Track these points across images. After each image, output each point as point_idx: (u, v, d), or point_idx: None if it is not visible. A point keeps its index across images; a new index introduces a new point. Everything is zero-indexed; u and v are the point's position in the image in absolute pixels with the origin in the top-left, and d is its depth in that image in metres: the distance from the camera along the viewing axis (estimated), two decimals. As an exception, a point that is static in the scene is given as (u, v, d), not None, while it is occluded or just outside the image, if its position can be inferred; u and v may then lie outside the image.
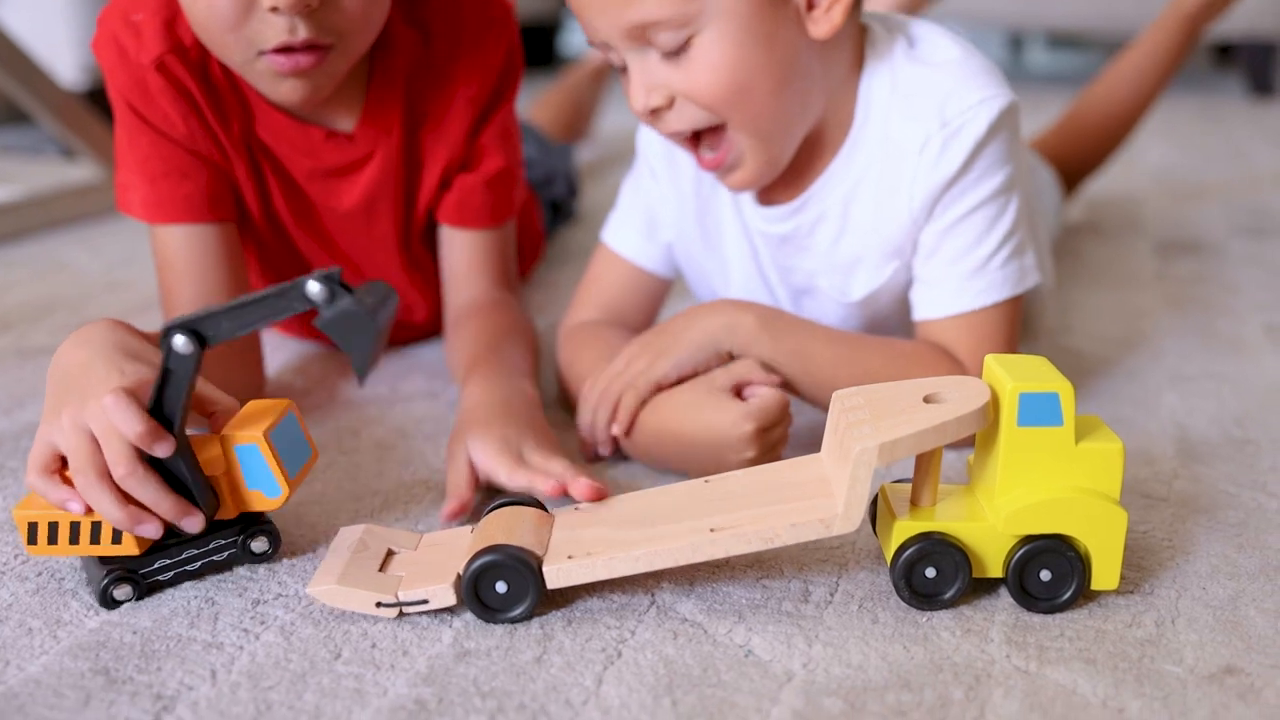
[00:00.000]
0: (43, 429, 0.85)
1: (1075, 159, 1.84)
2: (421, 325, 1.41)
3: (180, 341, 0.80)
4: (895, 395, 0.85)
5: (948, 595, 0.85)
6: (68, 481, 0.84)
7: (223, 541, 0.89)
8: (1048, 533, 0.84)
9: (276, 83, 1.10)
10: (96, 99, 2.37)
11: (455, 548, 0.89)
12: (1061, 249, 1.84)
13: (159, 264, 1.19)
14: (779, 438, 1.04)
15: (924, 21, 1.15)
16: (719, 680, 0.77)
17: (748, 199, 1.17)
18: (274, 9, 1.03)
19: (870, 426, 0.81)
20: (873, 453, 0.79)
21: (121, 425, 0.82)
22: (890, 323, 1.20)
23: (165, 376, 0.82)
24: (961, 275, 1.10)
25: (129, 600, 0.87)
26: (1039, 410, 0.83)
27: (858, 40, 1.10)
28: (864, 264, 1.14)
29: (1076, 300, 1.62)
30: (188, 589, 0.89)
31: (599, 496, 0.93)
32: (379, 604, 0.84)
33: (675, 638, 0.82)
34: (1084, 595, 0.86)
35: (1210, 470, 1.09)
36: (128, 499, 0.84)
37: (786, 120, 1.06)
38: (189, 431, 0.86)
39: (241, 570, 0.91)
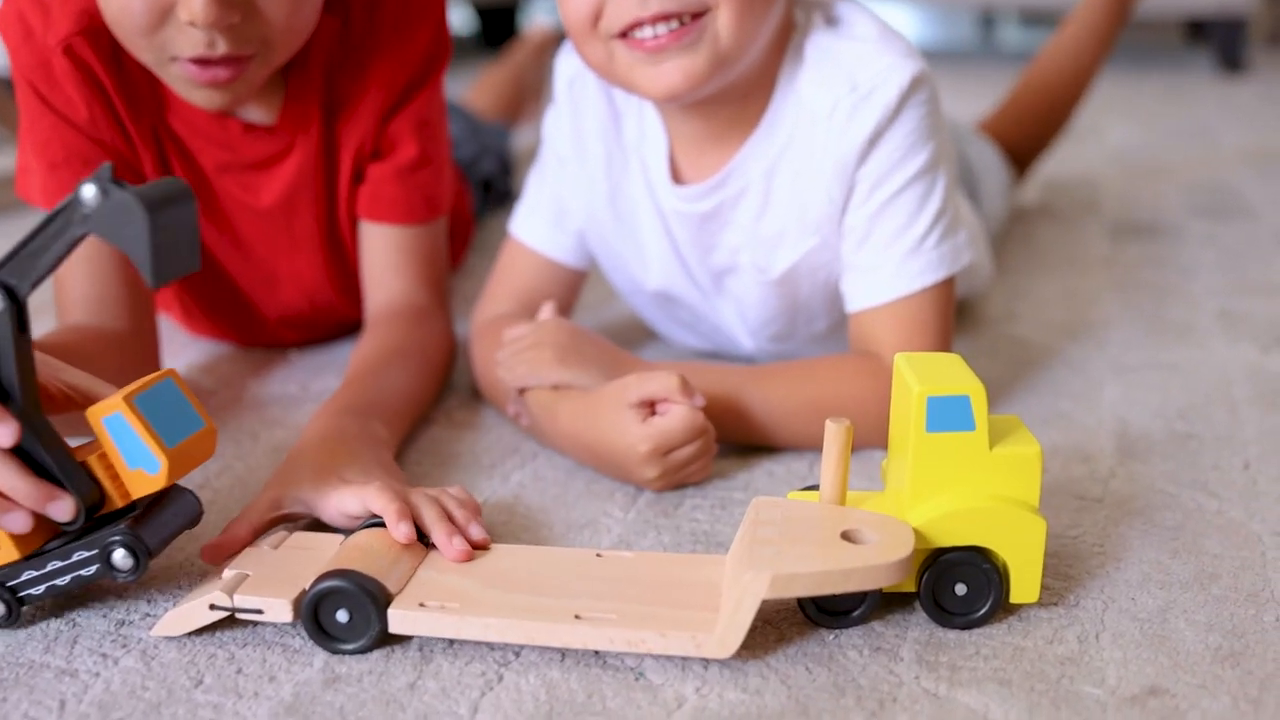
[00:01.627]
0: None
1: (1021, 139, 1.79)
2: (353, 325, 1.34)
3: None
4: (813, 522, 0.79)
5: (856, 613, 0.79)
6: None
7: (85, 554, 0.79)
8: (962, 544, 0.79)
9: (191, 89, 1.05)
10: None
11: (316, 557, 0.83)
12: (1012, 233, 1.79)
13: None
14: (689, 459, 0.98)
15: (850, 2, 1.09)
16: (603, 708, 0.72)
17: (661, 179, 1.11)
18: (191, 23, 0.97)
19: (774, 550, 0.75)
20: (764, 584, 0.73)
21: None
22: (810, 307, 1.15)
23: None
24: (896, 258, 1.05)
25: (4, 620, 0.80)
26: (949, 414, 0.77)
27: (785, 13, 1.06)
28: (786, 239, 1.09)
29: (1024, 286, 1.56)
30: (49, 609, 0.83)
31: (465, 559, 0.83)
32: (212, 605, 0.78)
33: (563, 660, 0.77)
34: (1003, 609, 0.81)
35: (1149, 468, 1.03)
36: None
37: (766, 16, 1.01)
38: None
39: (114, 587, 0.85)
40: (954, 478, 0.78)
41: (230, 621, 0.80)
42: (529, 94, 2.36)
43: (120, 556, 0.78)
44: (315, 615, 0.78)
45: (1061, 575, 0.86)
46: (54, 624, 0.81)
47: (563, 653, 0.77)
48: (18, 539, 0.78)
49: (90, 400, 0.80)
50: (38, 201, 1.12)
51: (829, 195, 1.05)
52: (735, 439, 1.05)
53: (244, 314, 1.29)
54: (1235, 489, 0.99)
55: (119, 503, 0.79)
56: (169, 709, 0.73)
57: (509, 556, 0.85)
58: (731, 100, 1.06)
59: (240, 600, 0.78)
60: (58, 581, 0.80)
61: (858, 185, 1.04)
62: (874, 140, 1.03)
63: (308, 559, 0.83)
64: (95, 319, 1.10)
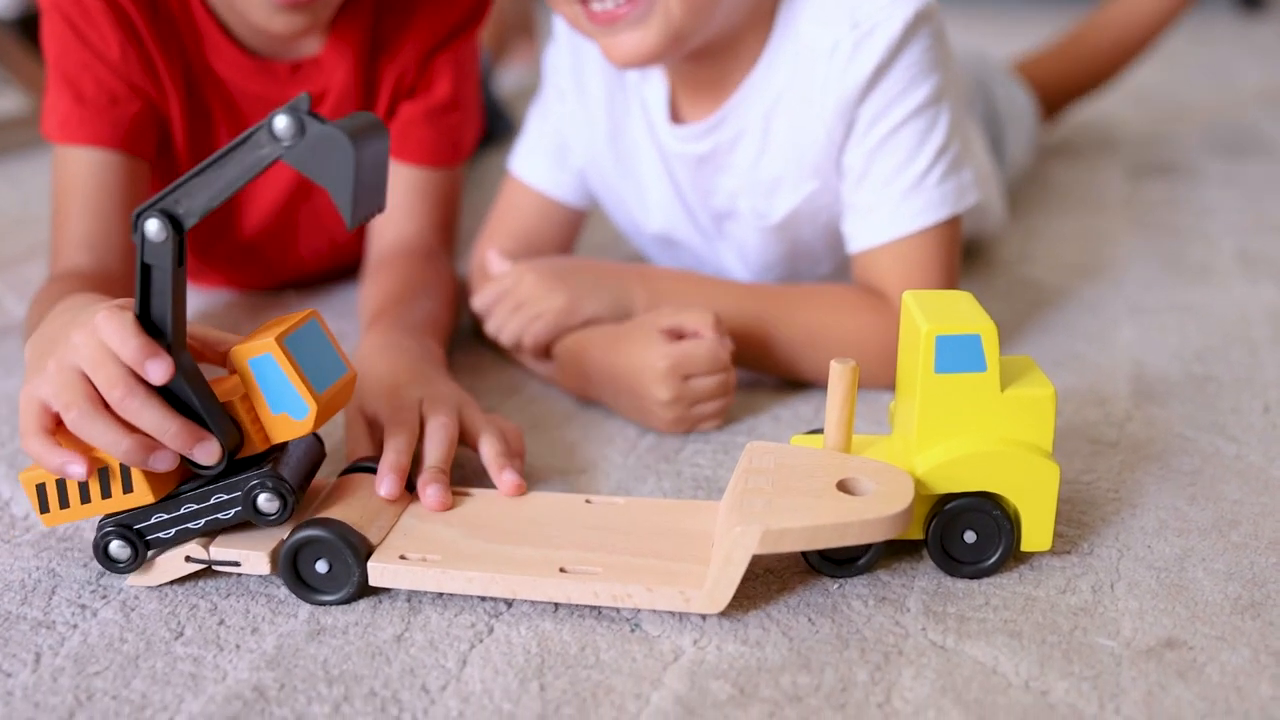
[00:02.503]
0: (26, 389, 0.74)
1: (1060, 89, 1.74)
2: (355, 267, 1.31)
3: (153, 227, 0.68)
4: (808, 469, 0.75)
5: (862, 561, 0.76)
6: (69, 442, 0.74)
7: (224, 496, 0.74)
8: (971, 490, 0.75)
9: (272, 14, 1.02)
10: (28, 28, 2.26)
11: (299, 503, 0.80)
12: (1029, 173, 1.74)
13: (57, 190, 1.09)
14: (705, 393, 0.95)
15: None
16: (597, 660, 0.69)
17: (661, 119, 1.08)
18: None
19: (765, 501, 0.72)
20: (753, 537, 0.70)
21: (113, 340, 0.70)
22: (812, 251, 1.11)
23: (146, 276, 0.70)
24: (896, 196, 1.01)
25: (128, 561, 0.76)
26: (959, 354, 0.74)
27: None
28: (784, 184, 1.06)
29: (1039, 226, 1.52)
30: (29, 558, 0.80)
31: (445, 507, 0.81)
32: (188, 558, 0.76)
33: (556, 611, 0.74)
34: (1014, 558, 0.78)
35: (1166, 412, 1.00)
36: (131, 429, 0.72)
37: None
38: None
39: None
40: (964, 421, 0.75)
41: (213, 571, 0.78)
42: (511, 31, 2.31)
43: (265, 500, 0.75)
44: (294, 566, 0.75)
45: (1075, 522, 0.82)
46: (33, 573, 0.79)
47: (555, 603, 0.74)
48: (153, 482, 0.74)
49: (212, 348, 0.77)
50: (55, 136, 1.09)
51: (829, 135, 1.02)
52: (757, 366, 1.03)
53: (252, 258, 1.26)
54: (1255, 433, 0.96)
55: (259, 447, 0.75)
56: (146, 662, 0.70)
57: (495, 503, 0.82)
58: (723, 47, 1.02)
59: (216, 552, 0.76)
60: (190, 525, 0.76)
61: (858, 121, 1.01)
62: (876, 77, 0.99)
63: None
64: (94, 259, 1.06)
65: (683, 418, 0.95)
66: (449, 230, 1.22)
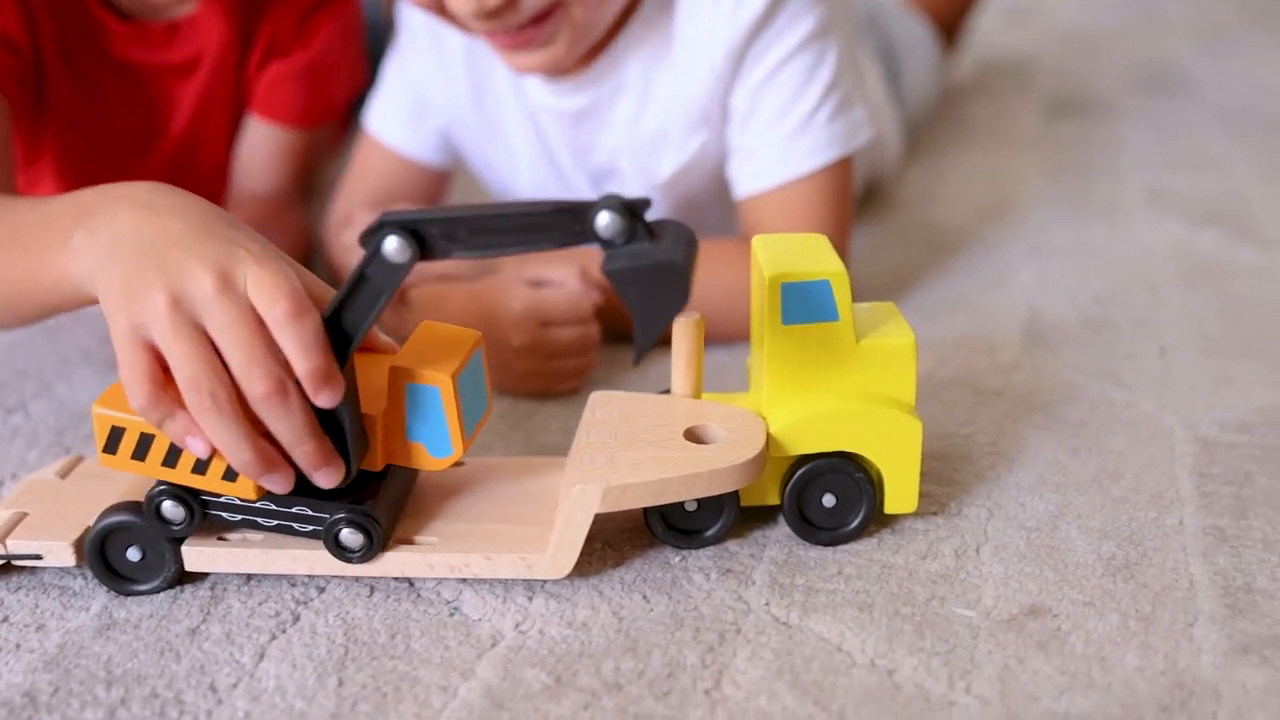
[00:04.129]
0: (123, 321, 0.60)
1: (947, 4, 1.67)
2: None
3: (393, 245, 0.59)
4: (654, 418, 0.69)
5: (711, 531, 0.70)
6: (177, 400, 0.61)
7: (309, 512, 0.66)
8: (828, 450, 0.69)
9: None
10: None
11: (109, 486, 0.72)
12: (939, 111, 1.68)
13: None
14: (564, 349, 0.88)
15: None
16: (406, 650, 0.63)
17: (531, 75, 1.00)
18: None
19: (608, 456, 0.66)
20: (594, 496, 0.64)
21: (290, 338, 0.59)
22: (706, 209, 1.04)
23: (357, 285, 0.61)
24: (784, 137, 0.95)
25: (181, 524, 0.67)
26: (808, 302, 0.67)
27: None
28: (670, 139, 0.99)
29: (945, 166, 1.46)
30: None
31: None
32: None
33: (371, 595, 0.67)
34: (877, 522, 0.72)
35: (1057, 358, 0.94)
36: (256, 432, 0.61)
37: None
38: None
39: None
40: (817, 375, 0.69)
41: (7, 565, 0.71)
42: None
43: (352, 537, 0.66)
44: (103, 555, 0.68)
45: (946, 480, 0.77)
46: None
47: (372, 586, 0.68)
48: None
49: (373, 347, 0.68)
50: None
51: (718, 80, 0.95)
52: (626, 327, 0.96)
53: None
54: (1148, 378, 0.91)
55: (376, 466, 0.66)
56: (-88, 666, 0.63)
57: None
58: None
59: (14, 545, 0.68)
60: (261, 521, 0.67)
61: (745, 62, 0.94)
62: (767, 17, 0.92)
63: (99, 490, 0.72)
64: None
65: (539, 371, 0.88)
66: (307, 186, 1.17)
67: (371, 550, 0.66)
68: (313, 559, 0.66)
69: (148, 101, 1.09)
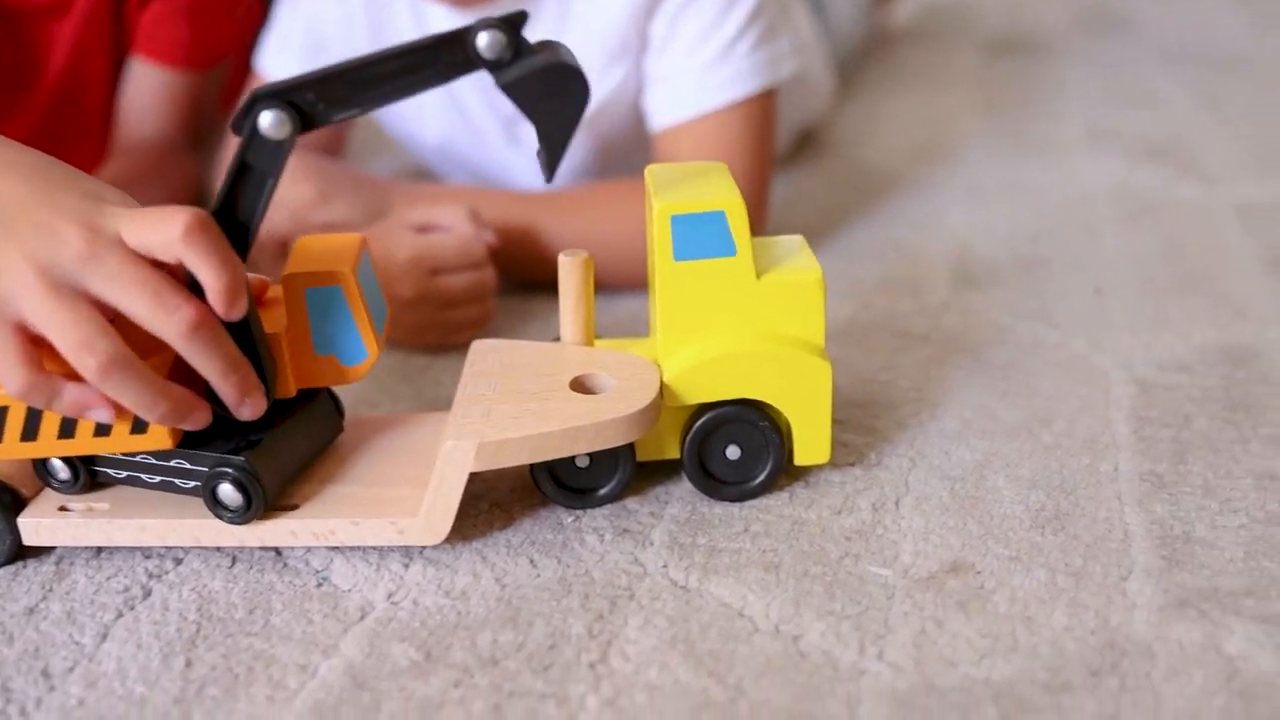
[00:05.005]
0: None
1: None
2: None
3: (270, 120, 0.54)
4: (538, 367, 0.64)
5: (605, 489, 0.64)
6: (63, 369, 0.54)
7: (188, 466, 0.59)
8: (730, 398, 0.63)
9: None
10: None
11: None
12: (875, 54, 1.62)
13: None
14: (457, 297, 0.82)
15: None
16: (265, 625, 0.57)
17: (432, 7, 0.93)
18: None
19: (484, 410, 0.60)
20: (467, 453, 0.58)
21: (201, 262, 0.52)
22: (626, 150, 0.98)
23: (240, 176, 0.55)
24: (703, 65, 0.89)
25: (68, 486, 0.61)
26: (702, 236, 0.61)
27: None
28: (589, 71, 0.92)
29: (878, 107, 1.40)
30: None
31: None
32: None
33: (232, 565, 0.61)
34: (787, 474, 0.66)
35: (986, 299, 0.89)
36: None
37: None
38: None
39: None
40: (715, 316, 0.63)
41: None
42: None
43: (230, 492, 0.59)
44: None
45: (865, 429, 0.71)
46: None
47: (234, 555, 0.62)
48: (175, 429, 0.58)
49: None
50: None
51: (637, 4, 0.90)
52: (525, 273, 0.90)
53: None
54: (1082, 318, 0.86)
55: (289, 392, 0.60)
56: None
57: None
58: None
59: None
60: (144, 477, 0.60)
61: None
62: None
63: None
64: None
65: (431, 323, 0.82)
66: (196, 129, 1.09)
67: (250, 508, 0.59)
68: (163, 529, 0.60)
69: (17, 44, 1.01)
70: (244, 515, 0.59)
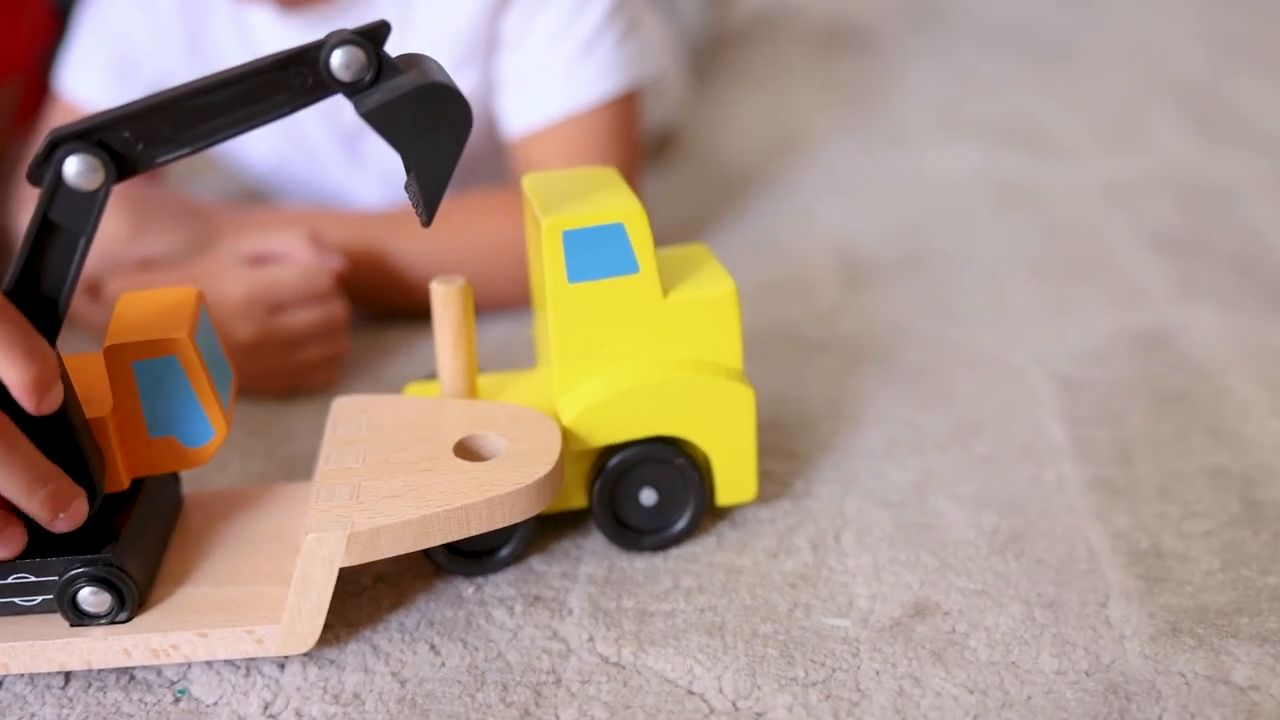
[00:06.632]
0: None
1: None
2: None
3: (77, 167, 0.44)
4: (412, 429, 0.54)
5: (504, 550, 0.55)
6: None
7: (31, 578, 0.48)
8: (641, 437, 0.55)
9: None
10: None
11: None
12: (713, 57, 1.56)
13: None
14: (304, 335, 0.72)
15: None
16: (111, 765, 0.46)
17: (257, 13, 0.83)
18: None
19: (351, 489, 0.50)
20: (334, 547, 0.48)
21: None
22: (482, 169, 0.89)
23: (42, 236, 0.45)
24: (564, 61, 0.81)
25: None
26: (599, 252, 0.53)
27: None
28: None
29: (728, 107, 1.34)
30: None
31: None
32: None
33: (65, 684, 0.50)
34: (711, 515, 0.58)
35: (879, 299, 0.83)
36: None
37: None
38: None
39: None
40: (617, 343, 0.55)
41: None
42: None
43: (91, 595, 0.48)
44: None
45: (785, 454, 0.64)
46: None
47: (66, 674, 0.51)
48: None
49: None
50: None
51: (485, 6, 0.81)
52: (379, 302, 0.80)
53: None
54: (982, 313, 0.80)
55: (121, 485, 0.50)
56: None
57: None
58: None
59: None
60: None
61: None
62: None
63: None
64: None
65: (276, 368, 0.72)
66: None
67: (124, 607, 0.49)
68: None
69: None
70: (115, 618, 0.49)
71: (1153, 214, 0.96)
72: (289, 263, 0.73)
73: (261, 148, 0.90)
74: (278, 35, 0.83)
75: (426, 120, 0.46)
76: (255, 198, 1.01)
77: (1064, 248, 0.90)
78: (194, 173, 1.07)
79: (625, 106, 0.83)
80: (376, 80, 0.46)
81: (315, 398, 0.72)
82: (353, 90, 0.46)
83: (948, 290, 0.84)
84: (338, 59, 0.45)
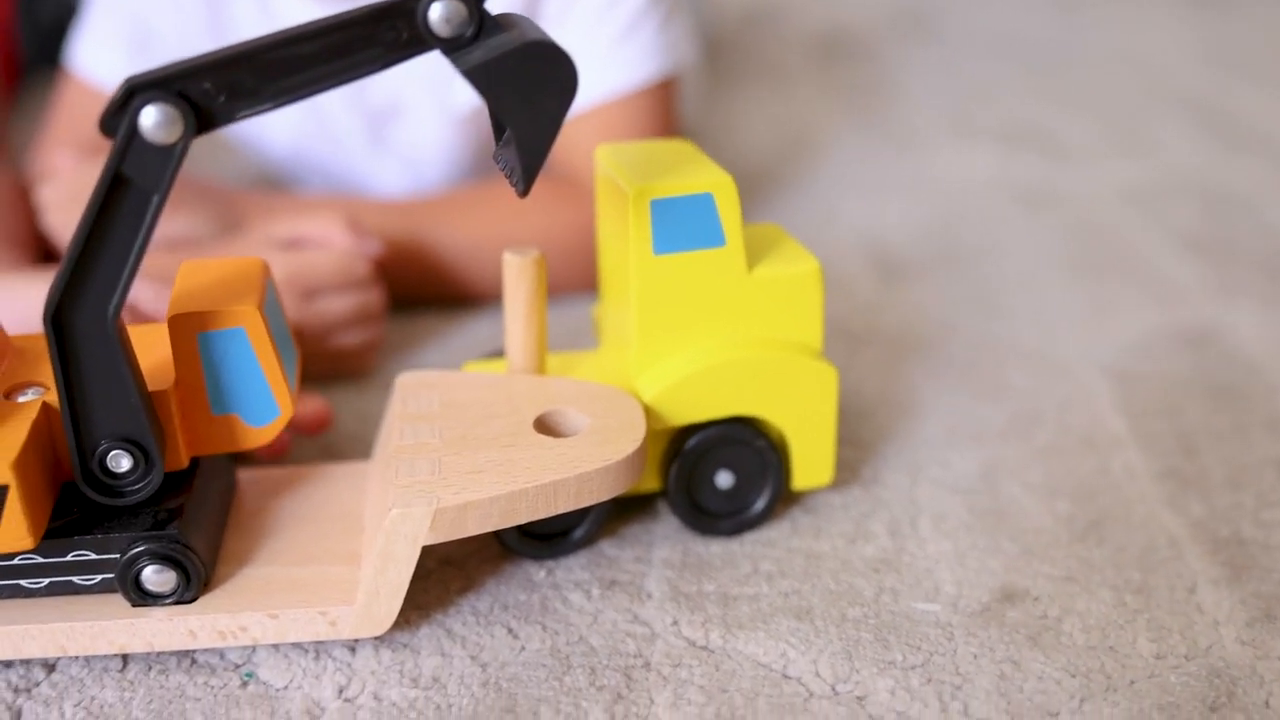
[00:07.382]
0: None
1: None
2: None
3: (155, 118, 0.41)
4: (489, 405, 0.52)
5: (577, 533, 0.53)
6: None
7: (91, 555, 0.46)
8: (722, 416, 0.54)
9: None
10: None
11: None
12: (712, 58, 1.55)
13: None
14: (340, 321, 0.69)
15: None
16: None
17: None
18: None
19: (430, 464, 0.48)
20: (420, 523, 0.46)
21: None
22: None
23: (111, 195, 0.42)
24: (608, 41, 0.80)
25: None
26: (686, 224, 0.51)
27: None
28: None
29: (736, 105, 1.33)
30: None
31: None
32: None
33: (124, 668, 0.48)
34: (783, 500, 0.57)
35: (918, 294, 0.82)
36: None
37: None
38: None
39: None
40: (700, 319, 0.53)
41: None
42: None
43: (157, 574, 0.46)
44: None
45: (851, 442, 0.63)
46: None
47: (125, 656, 0.48)
48: (33, 518, 0.44)
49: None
50: None
51: None
52: (420, 292, 0.78)
53: None
54: (1023, 309, 0.79)
55: (180, 463, 0.48)
56: None
57: None
58: None
59: None
60: (24, 583, 0.46)
61: None
62: None
63: None
64: None
65: (311, 355, 0.70)
66: None
67: (190, 587, 0.47)
68: (18, 638, 0.46)
69: None
70: (182, 598, 0.47)
71: (1175, 217, 0.95)
72: (325, 248, 0.71)
73: (282, 127, 0.88)
74: (301, 8, 0.81)
75: (530, 81, 0.43)
76: (269, 183, 0.99)
77: (1093, 247, 0.90)
78: (209, 155, 1.05)
79: (665, 92, 0.81)
80: (477, 37, 0.44)
81: (351, 384, 0.70)
82: (452, 47, 0.44)
83: (985, 286, 0.83)
84: (437, 11, 0.43)
